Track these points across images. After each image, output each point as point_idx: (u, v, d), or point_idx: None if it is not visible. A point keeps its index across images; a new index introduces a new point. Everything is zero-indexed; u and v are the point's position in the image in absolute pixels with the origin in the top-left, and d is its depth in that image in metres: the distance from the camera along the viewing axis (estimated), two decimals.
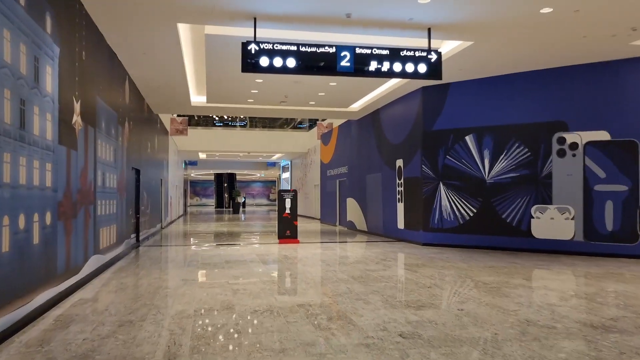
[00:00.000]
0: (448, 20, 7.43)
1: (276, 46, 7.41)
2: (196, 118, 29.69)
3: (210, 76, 10.79)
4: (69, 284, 6.13)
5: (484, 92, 11.02)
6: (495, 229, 10.84)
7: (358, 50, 7.65)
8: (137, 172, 12.01)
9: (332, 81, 11.56)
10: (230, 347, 3.97)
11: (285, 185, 37.46)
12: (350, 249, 11.52)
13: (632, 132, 9.37)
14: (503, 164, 10.77)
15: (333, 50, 7.57)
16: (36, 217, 4.96)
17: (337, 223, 19.61)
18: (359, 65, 7.66)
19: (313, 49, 7.52)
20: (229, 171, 46.17)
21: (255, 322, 4.76)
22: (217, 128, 30.28)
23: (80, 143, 6.71)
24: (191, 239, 14.51)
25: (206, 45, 8.72)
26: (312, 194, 26.20)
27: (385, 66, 7.72)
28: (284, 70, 7.46)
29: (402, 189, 12.95)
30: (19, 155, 4.53)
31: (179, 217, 26.46)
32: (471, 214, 11.18)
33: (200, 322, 4.75)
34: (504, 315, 4.96)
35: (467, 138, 11.25)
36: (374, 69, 7.70)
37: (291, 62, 7.45)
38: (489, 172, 10.95)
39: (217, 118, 33.14)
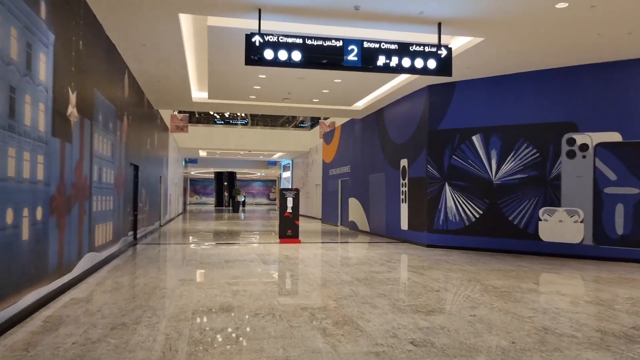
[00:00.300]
0: (459, 14, 7.17)
1: (281, 39, 7.15)
2: (197, 115, 29.48)
3: (212, 70, 10.52)
4: (61, 282, 5.87)
5: (492, 91, 10.75)
6: (502, 231, 10.57)
7: (366, 45, 7.38)
8: (136, 168, 11.75)
9: (337, 78, 11.30)
10: (230, 354, 3.71)
11: (286, 185, 37.20)
12: (352, 249, 11.25)
13: None
14: (511, 165, 10.50)
15: (340, 44, 7.31)
16: (26, 212, 4.70)
17: (339, 223, 19.33)
18: (367, 60, 7.40)
19: (319, 43, 7.26)
20: (229, 170, 45.91)
21: (256, 326, 4.49)
22: (218, 126, 30.03)
23: (76, 136, 6.44)
24: (190, 237, 14.24)
25: (209, 37, 8.46)
26: (313, 193, 25.93)
27: (394, 61, 7.45)
28: (289, 63, 7.20)
29: (406, 189, 12.69)
30: (8, 146, 4.26)
31: (178, 215, 26.19)
32: (477, 216, 10.91)
33: (198, 326, 4.48)
34: (520, 322, 4.69)
35: (473, 138, 10.98)
36: (382, 64, 7.44)
37: (296, 56, 7.19)
38: (496, 173, 10.68)
39: (218, 116, 32.91)
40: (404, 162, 12.85)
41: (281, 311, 5.07)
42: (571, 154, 9.79)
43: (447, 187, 11.32)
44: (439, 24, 7.54)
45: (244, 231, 16.64)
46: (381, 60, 7.43)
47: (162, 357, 3.61)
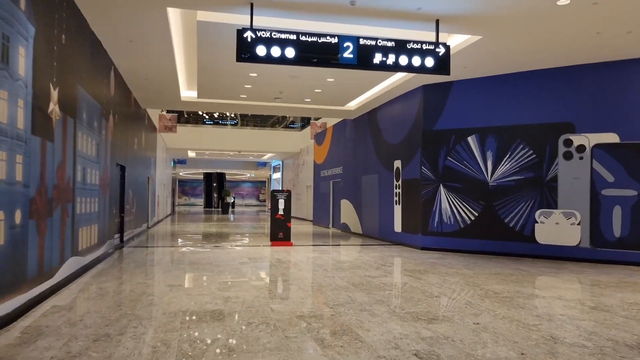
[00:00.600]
0: (458, 11, 6.96)
1: (274, 35, 6.88)
2: (186, 116, 29.07)
3: (201, 68, 10.22)
4: (41, 289, 5.55)
5: (488, 91, 10.57)
6: (498, 233, 10.39)
7: (362, 42, 7.14)
8: (122, 168, 11.40)
9: (330, 77, 11.05)
10: None
11: (276, 186, 36.89)
12: (346, 252, 11.01)
13: None
14: (506, 166, 10.32)
15: (335, 40, 7.06)
16: (1, 215, 4.38)
17: (331, 225, 19.08)
18: (363, 58, 7.16)
19: (314, 39, 7.00)
20: (219, 170, 45.48)
21: (249, 336, 4.22)
22: (207, 126, 29.66)
23: (58, 134, 6.12)
24: (179, 239, 13.91)
25: (198, 33, 8.16)
26: (304, 195, 25.66)
27: (391, 59, 7.22)
28: (282, 60, 6.94)
29: (400, 190, 12.47)
30: None
31: (166, 217, 25.78)
32: (472, 218, 10.72)
33: (187, 337, 4.20)
34: (526, 331, 4.46)
35: (469, 139, 10.79)
36: (378, 62, 7.21)
37: (290, 52, 6.93)
38: (492, 175, 10.50)
39: (207, 116, 32.53)
40: (397, 164, 12.63)
41: (275, 320, 4.80)
42: (568, 155, 9.63)
43: (442, 189, 11.12)
44: (437, 21, 7.32)
45: (234, 233, 16.32)
46: (378, 57, 7.20)
47: None
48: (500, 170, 10.39)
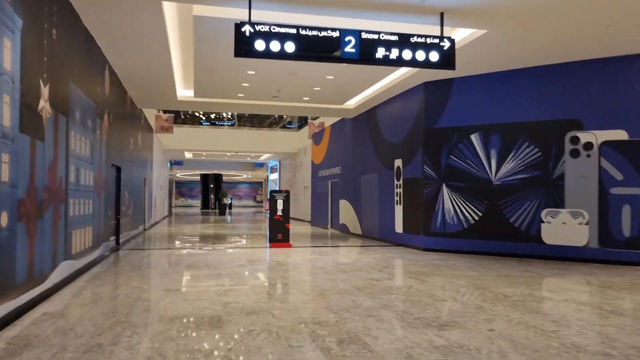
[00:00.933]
0: (463, 3, 6.71)
1: (273, 29, 6.62)
2: (182, 117, 28.79)
3: (198, 65, 9.95)
4: (31, 295, 5.27)
5: (492, 88, 10.34)
6: (503, 233, 10.15)
7: (364, 35, 6.89)
8: (118, 169, 11.12)
9: (329, 74, 10.80)
10: None
11: (274, 187, 36.60)
12: (346, 254, 10.75)
13: None
14: (511, 165, 10.08)
15: (337, 34, 6.80)
16: None
17: (329, 226, 18.83)
18: (365, 52, 6.90)
19: (314, 33, 6.74)
20: (216, 172, 45.19)
21: (251, 346, 3.96)
22: (204, 127, 29.38)
23: (49, 133, 5.85)
24: (176, 241, 13.63)
25: (194, 28, 7.89)
26: (301, 195, 25.40)
27: (394, 53, 6.97)
28: (282, 55, 6.68)
29: (401, 190, 12.22)
30: None
31: (163, 218, 25.47)
32: (476, 218, 10.48)
33: (184, 347, 3.93)
34: (545, 339, 4.21)
35: (472, 137, 10.55)
36: (381, 56, 6.95)
37: (290, 47, 6.67)
38: (496, 173, 10.26)
39: (204, 117, 32.24)
40: (398, 163, 12.38)
41: (277, 327, 4.54)
42: (575, 153, 9.40)
43: (444, 188, 10.88)
44: (442, 14, 7.08)
45: (232, 235, 16.04)
46: (380, 52, 6.94)
47: None
48: (505, 168, 10.15)
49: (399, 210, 12.36)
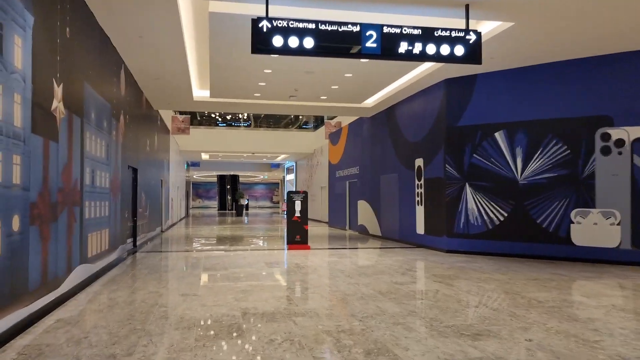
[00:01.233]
0: None
1: (291, 24, 6.39)
2: (198, 118, 28.78)
3: (214, 64, 9.76)
4: (46, 301, 5.11)
5: (517, 83, 9.97)
6: (529, 235, 9.78)
7: (386, 30, 6.62)
8: (135, 171, 11.00)
9: (348, 72, 10.55)
10: None
11: (290, 188, 36.44)
12: (367, 256, 10.47)
13: None
14: (538, 163, 9.71)
15: (357, 29, 6.55)
16: None
17: (347, 227, 18.55)
18: (387, 47, 6.63)
19: (334, 28, 6.50)
20: (232, 173, 45.21)
21: (273, 357, 3.73)
22: (220, 128, 29.33)
23: (63, 134, 5.69)
24: (193, 243, 13.48)
25: (210, 25, 7.70)
26: (318, 196, 25.16)
27: (417, 48, 6.68)
28: (301, 51, 6.44)
29: (422, 190, 11.91)
30: None
31: (180, 220, 25.45)
32: (501, 219, 10.12)
33: (202, 358, 3.71)
34: (589, 349, 3.90)
35: (496, 134, 10.20)
36: (403, 51, 6.67)
37: (309, 43, 6.43)
38: (522, 172, 9.89)
39: (219, 119, 32.21)
40: (419, 162, 12.07)
41: (300, 336, 4.30)
42: (606, 151, 9.00)
43: (467, 188, 10.54)
44: (467, 6, 6.78)
45: (249, 236, 15.87)
46: (403, 46, 6.67)
47: None
48: (531, 167, 9.78)
49: (420, 211, 12.05)
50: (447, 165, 10.81)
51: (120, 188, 9.08)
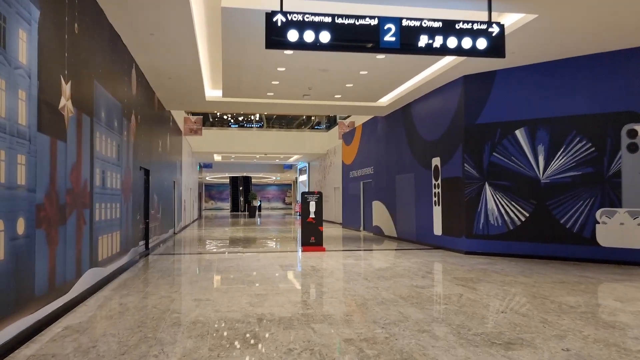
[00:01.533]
0: None
1: (307, 18, 6.14)
2: (211, 120, 28.65)
3: (227, 61, 9.55)
4: (54, 307, 4.91)
5: (538, 79, 9.63)
6: (552, 235, 9.43)
7: (405, 23, 6.34)
8: (147, 172, 10.84)
9: (363, 69, 10.28)
10: None
11: (303, 189, 36.22)
12: (384, 258, 10.19)
13: None
14: (561, 161, 9.36)
15: (375, 22, 6.28)
16: (0, 224, 3.74)
17: (362, 228, 18.27)
18: (406, 41, 6.35)
19: (351, 21, 6.24)
20: (245, 174, 45.13)
21: None
22: (232, 129, 29.19)
23: (72, 133, 5.50)
24: (206, 246, 13.29)
25: (223, 21, 7.48)
26: (332, 197, 24.89)
27: (438, 41, 6.40)
28: (316, 46, 6.19)
29: (440, 190, 11.59)
30: None
31: (193, 222, 25.34)
32: (523, 219, 9.78)
33: None
34: None
35: (517, 132, 9.86)
36: (423, 45, 6.39)
37: (325, 37, 6.18)
38: (544, 171, 9.55)
39: (232, 120, 32.09)
40: (436, 161, 11.76)
41: (320, 345, 4.04)
42: (633, 148, 8.63)
43: (487, 188, 10.21)
44: None
45: (262, 238, 15.66)
46: (423, 40, 6.38)
47: None
48: (554, 166, 9.43)
49: (437, 212, 11.74)
50: (465, 165, 10.49)
51: (131, 189, 8.90)
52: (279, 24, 6.09)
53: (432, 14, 7.09)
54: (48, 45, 4.79)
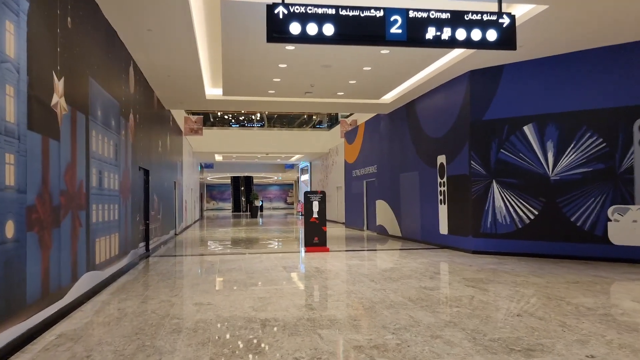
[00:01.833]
0: None
1: (310, 9, 5.89)
2: (211, 119, 28.44)
3: (227, 58, 9.31)
4: (47, 314, 4.68)
5: (547, 73, 9.38)
6: (563, 234, 9.18)
7: (412, 14, 6.09)
8: (146, 172, 10.61)
9: (367, 65, 10.04)
10: None
11: (305, 188, 35.99)
12: (389, 258, 9.95)
13: None
14: (571, 158, 9.11)
15: (381, 14, 6.03)
16: None
17: (365, 228, 18.03)
18: (413, 33, 6.09)
19: (356, 13, 5.99)
20: (246, 174, 44.91)
21: None
22: (233, 129, 28.97)
23: (65, 132, 5.27)
24: (207, 247, 13.06)
25: (222, 15, 7.24)
26: (334, 196, 24.65)
27: (446, 33, 6.14)
28: (320, 39, 5.94)
29: (445, 188, 11.35)
30: None
31: (194, 222, 25.12)
32: (532, 217, 9.53)
33: None
34: None
35: (525, 128, 9.61)
36: (431, 37, 6.13)
37: (328, 30, 5.93)
38: (554, 168, 9.30)
39: (233, 120, 31.85)
40: (441, 159, 11.51)
41: (328, 353, 3.80)
42: None
43: (494, 185, 9.96)
44: None
45: (265, 238, 15.42)
46: (431, 32, 6.13)
47: None
48: (564, 162, 9.18)
49: (443, 210, 11.49)
50: (472, 162, 10.24)
51: (130, 190, 8.67)
52: (281, 16, 5.84)
53: (440, 5, 6.83)
54: (39, 39, 4.56)
